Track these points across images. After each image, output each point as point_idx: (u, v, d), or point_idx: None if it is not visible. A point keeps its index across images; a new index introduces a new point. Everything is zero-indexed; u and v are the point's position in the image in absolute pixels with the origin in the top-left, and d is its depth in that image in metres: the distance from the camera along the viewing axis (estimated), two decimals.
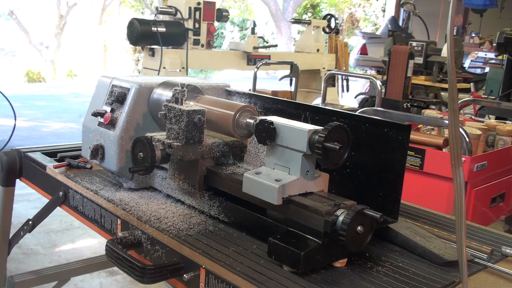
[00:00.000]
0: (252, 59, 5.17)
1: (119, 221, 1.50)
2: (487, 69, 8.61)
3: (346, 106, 4.73)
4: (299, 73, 4.73)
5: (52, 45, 17.22)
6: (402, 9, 10.75)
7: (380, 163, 1.34)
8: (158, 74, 4.41)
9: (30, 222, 1.97)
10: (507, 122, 3.26)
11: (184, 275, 1.23)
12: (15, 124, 4.60)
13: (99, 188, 1.65)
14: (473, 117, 3.66)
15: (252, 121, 1.37)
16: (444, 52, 5.68)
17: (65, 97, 11.38)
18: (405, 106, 3.58)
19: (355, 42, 13.19)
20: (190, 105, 1.48)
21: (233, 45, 5.40)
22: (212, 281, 1.19)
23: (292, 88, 4.69)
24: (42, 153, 2.02)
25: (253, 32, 5.18)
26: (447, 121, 2.50)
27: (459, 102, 3.49)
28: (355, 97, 6.65)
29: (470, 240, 1.38)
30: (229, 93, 1.80)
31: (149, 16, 15.33)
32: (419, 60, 5.61)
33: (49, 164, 1.89)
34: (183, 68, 4.57)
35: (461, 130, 2.43)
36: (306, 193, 1.25)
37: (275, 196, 1.20)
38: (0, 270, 2.17)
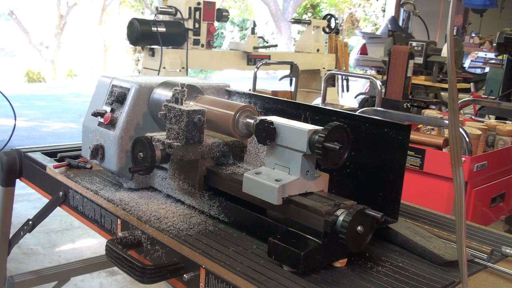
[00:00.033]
0: (252, 59, 5.17)
1: (119, 221, 1.50)
2: (487, 69, 8.61)
3: (346, 106, 4.73)
4: (299, 73, 4.73)
5: (52, 45, 17.22)
6: (402, 9, 10.75)
7: (380, 163, 1.34)
8: (158, 74, 4.41)
9: (30, 222, 1.97)
10: (507, 122, 3.26)
11: (184, 275, 1.23)
12: (15, 124, 4.60)
13: (99, 188, 1.65)
14: (473, 117, 3.66)
15: (252, 121, 1.37)
16: (444, 52, 5.68)
17: (65, 97, 11.38)
18: (405, 106, 3.58)
19: (355, 42, 13.19)
20: (190, 105, 1.48)
21: (233, 45, 5.40)
22: (212, 281, 1.19)
23: (292, 88, 4.69)
24: (42, 153, 2.02)
25: (253, 32, 5.18)
26: (447, 121, 2.50)
27: (459, 102, 3.49)
28: (355, 97, 6.65)
29: (470, 240, 1.38)
30: (229, 93, 1.80)
31: (149, 16, 15.33)
32: (419, 60, 5.61)
33: (49, 164, 1.89)
34: (183, 68, 4.57)
35: (461, 130, 2.43)
36: (306, 193, 1.25)
37: (275, 196, 1.20)
38: (0, 270, 2.17)
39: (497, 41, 4.56)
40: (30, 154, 2.00)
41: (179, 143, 1.37)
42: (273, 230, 1.27)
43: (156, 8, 4.65)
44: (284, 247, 1.16)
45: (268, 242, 1.20)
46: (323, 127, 1.19)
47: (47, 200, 1.87)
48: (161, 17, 4.66)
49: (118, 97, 1.61)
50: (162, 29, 4.39)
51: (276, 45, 6.41)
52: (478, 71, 9.06)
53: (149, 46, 4.59)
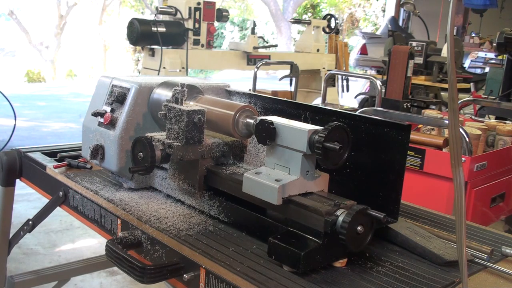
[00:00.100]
0: (252, 59, 5.17)
1: (119, 221, 1.50)
2: (487, 69, 8.61)
3: (346, 106, 4.73)
4: (299, 73, 4.73)
5: (52, 45, 17.22)
6: (402, 9, 10.75)
7: (380, 163, 1.34)
8: (158, 74, 4.41)
9: (30, 222, 1.97)
10: (507, 122, 3.26)
11: (184, 275, 1.23)
12: (15, 124, 4.60)
13: (99, 188, 1.65)
14: (473, 117, 3.66)
15: (252, 121, 1.37)
16: (444, 52, 5.67)
17: (65, 97, 11.38)
18: (405, 106, 3.58)
19: (355, 42, 13.19)
20: (190, 105, 1.48)
21: (233, 45, 5.40)
22: (212, 281, 1.19)
23: (292, 88, 4.69)
24: (42, 153, 2.02)
25: (253, 32, 5.18)
26: (447, 121, 2.50)
27: (459, 102, 3.49)
28: (355, 97, 6.65)
29: (470, 240, 1.38)
30: (229, 93, 1.80)
31: (149, 16, 15.33)
32: (419, 60, 5.61)
33: (49, 164, 1.89)
34: (183, 68, 4.57)
35: (461, 130, 2.43)
36: (306, 193, 1.25)
37: (275, 196, 1.20)
38: (0, 270, 2.17)
39: (497, 41, 4.56)
40: (30, 154, 2.00)
41: (179, 143, 1.38)
42: (273, 230, 1.27)
43: (156, 8, 4.65)
44: (284, 247, 1.16)
45: (268, 242, 1.20)
46: (323, 127, 1.19)
47: (47, 200, 1.87)
48: (161, 17, 4.66)
49: (118, 97, 1.61)
50: (162, 29, 4.39)
51: (276, 45, 6.41)
52: (478, 71, 9.06)
53: (149, 46, 4.59)
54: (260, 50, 5.26)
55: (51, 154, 2.01)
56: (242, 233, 1.36)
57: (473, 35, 11.19)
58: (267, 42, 5.80)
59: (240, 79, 12.33)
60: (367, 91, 7.20)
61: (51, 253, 3.57)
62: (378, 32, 10.64)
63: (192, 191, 1.49)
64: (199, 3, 4.64)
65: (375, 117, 1.40)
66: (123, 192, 1.62)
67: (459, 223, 0.98)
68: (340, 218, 1.13)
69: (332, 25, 6.25)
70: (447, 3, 0.94)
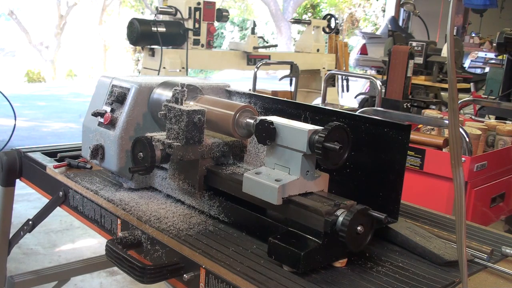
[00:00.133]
0: (252, 59, 5.17)
1: (119, 221, 1.50)
2: (487, 69, 8.61)
3: (346, 106, 4.73)
4: (299, 73, 4.73)
5: (52, 45, 17.23)
6: (402, 9, 10.75)
7: (380, 163, 1.34)
8: (158, 74, 4.41)
9: (30, 222, 1.97)
10: (507, 122, 3.26)
11: (184, 275, 1.23)
12: (15, 124, 4.60)
13: (99, 188, 1.65)
14: (473, 117, 3.66)
15: (252, 121, 1.37)
16: (444, 52, 5.68)
17: (65, 97, 11.38)
18: (405, 106, 3.58)
19: (355, 42, 13.19)
20: (190, 105, 1.48)
21: (233, 45, 5.40)
22: (212, 281, 1.19)
23: (292, 88, 4.69)
24: (42, 153, 2.02)
25: (253, 32, 5.18)
26: (447, 121, 2.50)
27: (459, 102, 3.49)
28: (355, 97, 6.65)
29: (470, 240, 1.38)
30: (229, 93, 1.80)
31: (149, 16, 15.33)
32: (419, 60, 5.61)
33: (49, 164, 1.89)
34: (183, 68, 4.57)
35: (461, 130, 2.43)
36: (306, 193, 1.25)
37: (275, 196, 1.20)
38: (0, 270, 2.17)
39: (497, 41, 4.56)
40: (30, 154, 2.00)
41: (179, 143, 1.38)
42: (273, 230, 1.27)
43: (156, 8, 4.65)
44: (284, 247, 1.16)
45: (268, 242, 1.20)
46: (323, 127, 1.19)
47: (47, 200, 1.87)
48: (161, 17, 4.66)
49: (118, 97, 1.61)
50: (162, 29, 4.39)
51: (276, 45, 6.41)
52: (478, 71, 9.06)
53: (149, 46, 4.59)
54: (260, 50, 5.26)
55: (51, 154, 2.01)
56: (242, 233, 1.36)
57: (473, 35, 11.19)
58: (267, 42, 5.80)
59: (240, 79, 12.33)
60: (367, 91, 7.20)
61: (51, 253, 3.57)
62: (378, 32, 10.65)
63: (192, 191, 1.49)
64: (199, 3, 4.64)
65: (375, 117, 1.39)
66: (123, 192, 1.62)
67: (459, 223, 0.98)
68: (340, 218, 1.13)
69: (332, 25, 6.25)
70: (447, 3, 0.94)
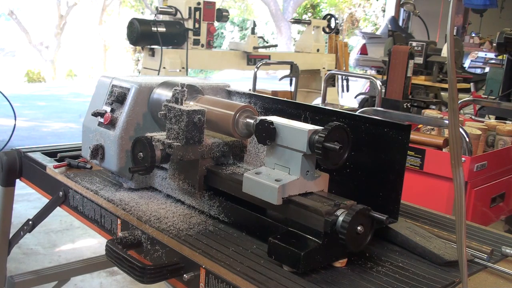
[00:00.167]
0: (252, 59, 5.17)
1: (119, 221, 1.50)
2: (487, 69, 8.61)
3: (346, 106, 4.73)
4: (299, 73, 4.73)
5: (52, 45, 17.22)
6: (402, 9, 10.75)
7: (380, 163, 1.34)
8: (158, 74, 4.41)
9: (30, 222, 1.97)
10: (507, 122, 3.26)
11: (184, 275, 1.23)
12: (15, 124, 4.60)
13: (99, 188, 1.65)
14: (473, 117, 3.66)
15: (252, 121, 1.37)
16: (444, 52, 5.67)
17: (65, 97, 11.38)
18: (405, 106, 3.58)
19: (355, 42, 13.19)
20: (190, 105, 1.48)
21: (233, 45, 5.40)
22: (212, 281, 1.19)
23: (292, 88, 4.69)
24: (42, 153, 2.02)
25: (253, 32, 5.18)
26: (447, 121, 2.50)
27: (459, 102, 3.49)
28: (355, 97, 6.65)
29: (470, 240, 1.38)
30: (229, 93, 1.80)
31: (149, 16, 15.33)
32: (419, 60, 5.61)
33: (49, 164, 1.89)
34: (183, 68, 4.57)
35: (461, 130, 2.43)
36: (306, 193, 1.25)
37: (275, 196, 1.20)
38: (0, 270, 2.17)
39: (497, 41, 4.56)
40: (30, 154, 2.00)
41: (179, 143, 1.37)
42: (273, 230, 1.27)
43: (156, 8, 4.65)
44: (284, 247, 1.16)
45: (268, 242, 1.20)
46: (323, 127, 1.19)
47: (47, 200, 1.87)
48: (161, 17, 4.66)
49: (118, 97, 1.61)
50: (162, 29, 4.39)
51: (276, 45, 6.41)
52: (478, 71, 9.06)
53: (149, 46, 4.59)
54: (260, 50, 5.26)
55: (51, 154, 2.01)
56: (242, 233, 1.36)
57: (473, 35, 11.19)
58: (267, 42, 5.80)
59: (240, 79, 12.33)
60: (367, 91, 7.20)
61: (51, 253, 3.57)
62: (378, 32, 10.65)
63: (192, 191, 1.49)
64: (199, 3, 4.64)
65: (375, 117, 1.39)
66: (123, 192, 1.62)
67: (459, 223, 0.98)
68: (340, 218, 1.13)
69: (332, 25, 6.25)
70: (447, 3, 0.94)
